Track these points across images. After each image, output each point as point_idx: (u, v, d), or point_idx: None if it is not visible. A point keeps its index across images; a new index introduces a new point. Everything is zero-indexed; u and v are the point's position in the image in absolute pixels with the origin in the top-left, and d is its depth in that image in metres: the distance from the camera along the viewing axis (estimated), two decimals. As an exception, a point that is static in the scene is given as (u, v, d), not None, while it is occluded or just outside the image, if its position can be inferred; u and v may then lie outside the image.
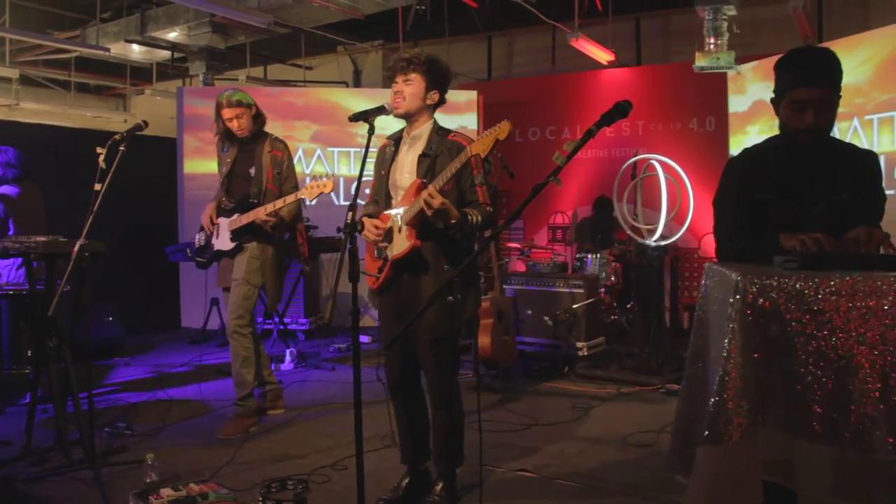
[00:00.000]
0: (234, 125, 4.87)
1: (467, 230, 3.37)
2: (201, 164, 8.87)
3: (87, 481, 3.86)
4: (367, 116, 3.23)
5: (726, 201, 2.74)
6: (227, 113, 4.85)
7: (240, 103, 4.84)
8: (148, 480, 3.72)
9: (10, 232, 5.61)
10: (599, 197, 8.60)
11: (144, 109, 12.86)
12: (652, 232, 6.71)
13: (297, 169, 8.78)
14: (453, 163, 3.25)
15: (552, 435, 4.80)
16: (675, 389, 5.74)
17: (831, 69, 2.54)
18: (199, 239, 5.12)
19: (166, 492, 3.53)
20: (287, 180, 4.98)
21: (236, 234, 4.85)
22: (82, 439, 4.12)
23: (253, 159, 4.93)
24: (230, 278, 4.89)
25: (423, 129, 3.54)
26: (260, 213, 4.71)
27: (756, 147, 2.80)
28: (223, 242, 4.91)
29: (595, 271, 7.50)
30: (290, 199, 4.71)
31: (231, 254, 4.88)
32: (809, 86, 2.52)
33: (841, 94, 2.60)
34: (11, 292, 5.52)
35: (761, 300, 1.99)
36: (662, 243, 6.70)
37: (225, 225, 4.91)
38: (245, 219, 4.77)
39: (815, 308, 1.95)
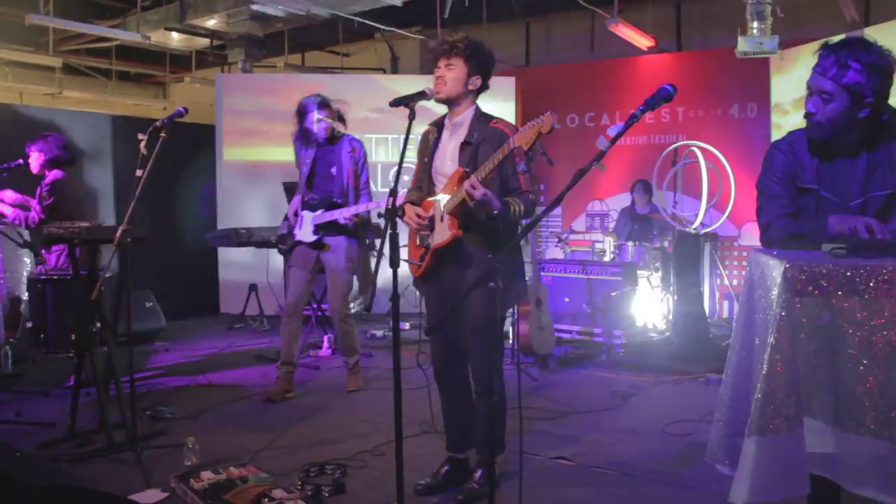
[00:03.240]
0: (321, 126, 5.28)
1: (509, 220, 3.35)
2: (240, 152, 8.92)
3: (129, 463, 3.92)
4: (407, 101, 3.20)
5: (770, 187, 2.68)
6: (318, 115, 5.25)
7: (327, 104, 5.30)
8: (188, 463, 3.77)
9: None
10: (637, 181, 8.49)
11: (183, 97, 12.97)
12: (692, 219, 6.63)
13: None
14: (496, 154, 3.22)
15: (590, 423, 4.78)
16: (715, 378, 5.67)
17: (844, 66, 2.41)
18: (282, 227, 5.69)
19: (207, 475, 3.57)
20: (360, 176, 5.42)
21: (319, 228, 5.28)
22: (124, 422, 4.18)
23: (333, 159, 5.36)
24: (306, 262, 5.35)
25: (465, 116, 3.51)
26: (343, 214, 5.20)
27: (799, 133, 2.72)
28: (306, 234, 5.34)
29: (634, 259, 7.43)
30: (372, 205, 5.26)
31: (312, 245, 5.32)
32: (815, 73, 2.48)
33: (868, 98, 2.45)
34: (56, 277, 5.61)
35: (810, 288, 1.94)
36: (702, 231, 6.62)
37: (309, 218, 5.33)
38: (329, 216, 5.25)
39: (867, 296, 1.90)
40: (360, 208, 5.22)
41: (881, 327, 1.89)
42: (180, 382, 5.81)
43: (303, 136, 5.36)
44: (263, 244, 7.34)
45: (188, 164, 8.57)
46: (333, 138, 5.39)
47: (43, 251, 5.85)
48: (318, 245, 5.32)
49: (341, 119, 5.42)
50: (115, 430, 4.21)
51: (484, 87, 3.55)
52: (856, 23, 7.91)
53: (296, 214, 5.45)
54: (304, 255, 5.36)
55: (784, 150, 2.69)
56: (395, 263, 2.80)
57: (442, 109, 3.62)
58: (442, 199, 3.44)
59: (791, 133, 2.76)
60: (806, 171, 2.61)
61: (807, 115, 2.52)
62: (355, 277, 5.57)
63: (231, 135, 9.03)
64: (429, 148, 3.63)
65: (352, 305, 8.45)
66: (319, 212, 5.29)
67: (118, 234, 3.96)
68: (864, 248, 2.10)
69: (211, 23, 9.24)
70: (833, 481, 2.15)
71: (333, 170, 5.34)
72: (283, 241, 5.65)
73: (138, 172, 3.92)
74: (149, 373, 6.15)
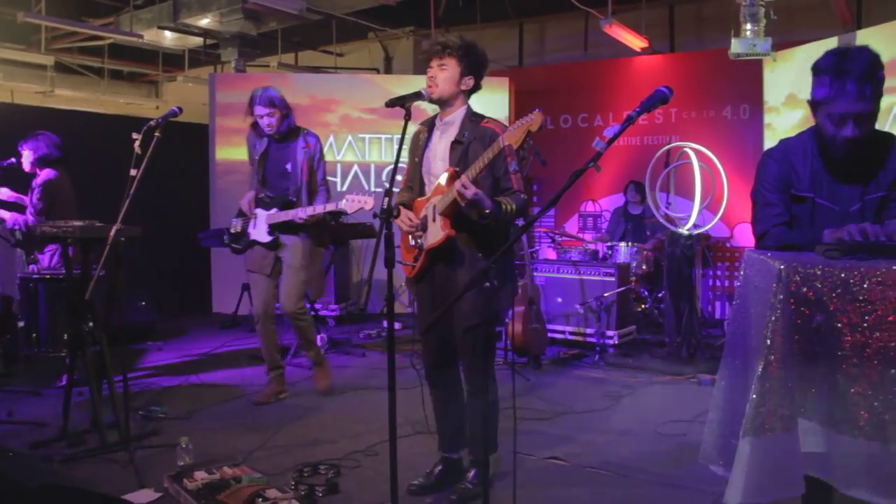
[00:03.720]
0: (263, 122, 5.07)
1: (501, 219, 3.35)
2: (233, 151, 8.90)
3: (122, 463, 3.91)
4: (403, 102, 3.21)
5: (764, 196, 2.68)
6: (258, 111, 5.05)
7: (271, 103, 5.03)
8: (182, 463, 3.76)
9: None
10: (630, 182, 8.51)
11: (176, 96, 12.95)
12: (685, 220, 6.64)
13: (329, 156, 8.96)
14: (486, 153, 3.23)
15: (583, 423, 4.79)
16: (707, 379, 5.70)
17: (873, 79, 2.40)
18: (235, 225, 5.29)
19: (200, 475, 3.56)
20: (316, 172, 5.20)
21: (273, 228, 5.07)
22: (117, 422, 4.18)
23: (288, 154, 5.15)
24: (264, 265, 5.13)
25: (456, 115, 3.52)
26: (299, 214, 4.96)
27: (791, 141, 2.72)
28: (260, 234, 5.12)
29: (626, 260, 7.45)
30: (331, 207, 4.93)
31: (268, 245, 5.10)
32: (850, 100, 2.41)
33: (882, 92, 2.47)
34: (48, 276, 5.59)
35: (805, 289, 1.95)
36: (695, 232, 6.64)
37: (263, 217, 5.11)
38: (283, 216, 5.02)
39: (861, 298, 1.91)
40: (318, 209, 4.96)
41: (875, 328, 1.90)
42: (173, 382, 5.80)
43: (255, 126, 5.15)
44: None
45: (181, 164, 8.51)
46: (289, 133, 5.16)
47: (36, 251, 5.83)
48: (274, 245, 5.10)
49: (288, 118, 5.11)
50: (108, 429, 4.20)
51: (476, 88, 3.56)
52: (848, 25, 7.94)
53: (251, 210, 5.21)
54: (262, 258, 5.15)
55: (777, 159, 2.68)
56: (390, 264, 2.80)
57: (437, 111, 3.63)
58: (434, 199, 3.44)
59: (783, 141, 2.76)
60: (801, 178, 2.61)
61: (845, 140, 2.46)
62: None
63: (224, 134, 9.01)
64: (419, 148, 3.63)
65: (344, 305, 8.50)
66: (273, 210, 5.07)
67: (112, 233, 3.95)
68: (858, 249, 2.11)
69: (204, 22, 9.20)
70: (826, 482, 2.17)
71: (288, 166, 5.14)
72: (237, 240, 5.29)
73: (132, 172, 3.91)
74: (141, 372, 6.13)
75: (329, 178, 8.75)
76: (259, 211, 5.15)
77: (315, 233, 5.19)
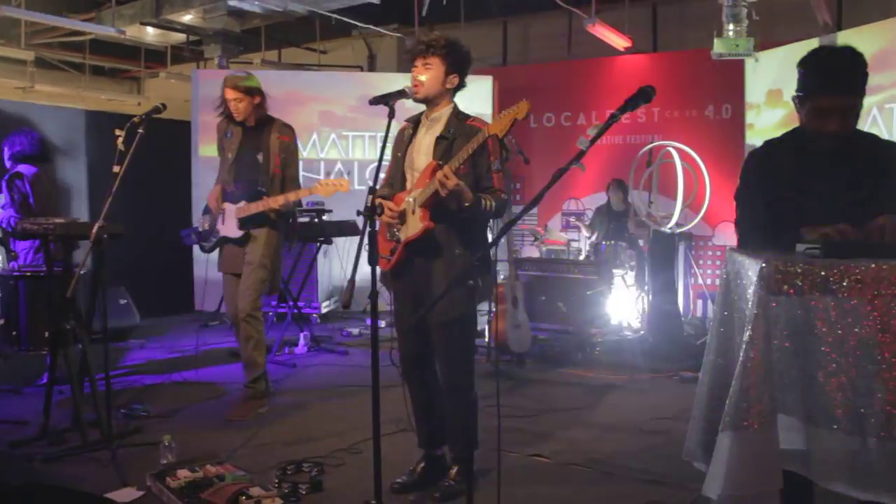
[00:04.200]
0: (231, 107, 4.84)
1: (480, 215, 3.36)
2: (216, 148, 8.85)
3: (104, 461, 3.89)
4: (387, 100, 3.21)
5: (748, 196, 2.70)
6: (227, 93, 4.83)
7: (236, 87, 4.81)
8: (164, 462, 3.74)
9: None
10: (612, 180, 8.54)
11: (158, 92, 12.87)
12: (667, 219, 6.69)
13: (312, 154, 8.95)
14: (470, 143, 3.24)
15: (566, 421, 4.81)
16: (689, 376, 5.73)
17: (859, 74, 2.46)
18: (203, 222, 5.09)
19: (183, 473, 3.54)
20: (290, 166, 4.95)
21: (244, 222, 4.82)
22: (99, 420, 4.14)
23: (260, 145, 4.88)
24: (237, 263, 4.86)
25: (442, 113, 3.52)
26: (271, 204, 4.71)
27: (776, 142, 2.75)
28: (230, 229, 4.86)
29: (609, 258, 7.48)
30: (304, 193, 4.76)
31: (239, 241, 4.85)
32: (835, 94, 2.46)
33: (865, 90, 2.54)
34: (29, 274, 5.55)
35: (785, 287, 1.98)
36: (677, 231, 6.68)
37: (232, 212, 4.85)
38: (254, 208, 4.75)
39: (840, 296, 1.94)
40: (290, 196, 4.73)
41: (853, 325, 1.93)
42: (155, 380, 5.77)
43: (229, 118, 4.92)
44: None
45: (163, 161, 8.48)
46: (261, 122, 4.91)
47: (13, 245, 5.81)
48: (245, 240, 4.81)
49: (261, 107, 4.89)
50: (90, 428, 4.16)
51: (461, 86, 3.56)
52: (829, 26, 8.01)
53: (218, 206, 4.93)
54: (234, 257, 4.87)
55: (761, 159, 2.71)
56: (374, 261, 2.80)
57: (422, 107, 3.63)
58: (414, 192, 3.44)
59: (768, 141, 2.79)
60: (785, 178, 2.63)
61: (831, 135, 2.50)
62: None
63: (207, 131, 8.96)
64: (404, 143, 3.62)
65: (327, 303, 8.49)
66: (242, 203, 4.78)
67: (94, 230, 3.93)
68: (838, 249, 2.13)
69: (187, 18, 9.17)
70: (805, 476, 2.20)
71: (259, 156, 4.84)
72: (206, 238, 5.02)
73: (115, 168, 3.89)
74: (123, 370, 6.10)
75: (313, 175, 8.83)
76: (228, 205, 4.88)
77: (282, 227, 4.96)
